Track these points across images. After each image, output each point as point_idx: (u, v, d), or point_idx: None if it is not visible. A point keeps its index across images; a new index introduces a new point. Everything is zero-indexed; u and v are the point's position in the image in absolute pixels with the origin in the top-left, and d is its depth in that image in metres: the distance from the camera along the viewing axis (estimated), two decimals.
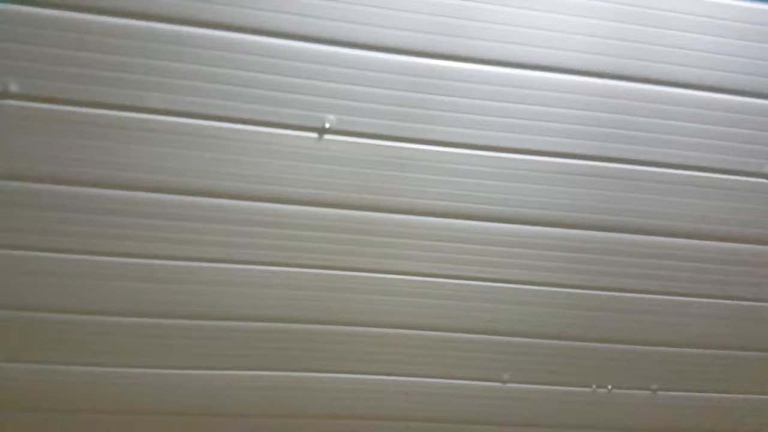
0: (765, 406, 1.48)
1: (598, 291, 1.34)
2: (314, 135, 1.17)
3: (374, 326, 1.30)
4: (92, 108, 1.09)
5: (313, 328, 1.28)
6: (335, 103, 1.15)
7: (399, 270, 1.27)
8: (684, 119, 1.25)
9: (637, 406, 1.44)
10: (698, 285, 1.36)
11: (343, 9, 1.12)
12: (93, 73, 1.07)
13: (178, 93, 1.11)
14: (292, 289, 1.25)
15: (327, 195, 1.20)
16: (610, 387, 1.42)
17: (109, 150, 1.12)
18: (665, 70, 1.23)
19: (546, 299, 1.33)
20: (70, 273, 1.18)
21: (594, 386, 1.42)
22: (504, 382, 1.39)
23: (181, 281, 1.21)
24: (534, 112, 1.21)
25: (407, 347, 1.33)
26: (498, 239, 1.28)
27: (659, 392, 1.44)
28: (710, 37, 1.22)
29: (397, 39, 1.14)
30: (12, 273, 1.16)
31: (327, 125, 1.16)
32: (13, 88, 1.06)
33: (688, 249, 1.33)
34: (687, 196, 1.30)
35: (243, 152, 1.15)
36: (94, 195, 1.14)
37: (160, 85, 1.10)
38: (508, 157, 1.23)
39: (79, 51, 1.06)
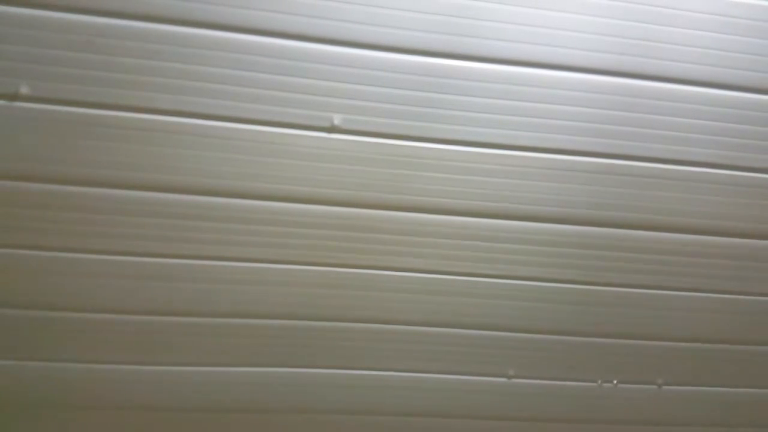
0: None
1: (603, 287, 1.35)
2: (322, 134, 1.17)
3: (381, 323, 1.31)
4: (102, 109, 1.10)
5: (318, 325, 1.29)
6: (343, 102, 1.16)
7: (406, 267, 1.28)
8: (688, 116, 1.26)
9: (643, 400, 1.44)
10: (704, 280, 1.36)
11: (350, 10, 1.12)
12: (103, 75, 1.08)
13: (186, 94, 1.11)
14: (299, 286, 1.26)
15: (335, 193, 1.21)
16: (615, 381, 1.43)
17: (119, 150, 1.13)
18: (670, 68, 1.23)
19: (552, 295, 1.34)
20: (76, 272, 1.19)
21: (600, 381, 1.42)
22: (510, 377, 1.39)
23: (187, 279, 1.22)
24: (542, 110, 1.21)
25: (413, 343, 1.33)
26: (505, 236, 1.28)
27: (665, 387, 1.44)
28: (718, 34, 1.22)
29: (404, 39, 1.15)
30: (17, 272, 1.17)
31: (335, 124, 1.17)
32: (24, 90, 1.07)
33: (692, 244, 1.33)
34: (690, 192, 1.30)
35: (252, 152, 1.16)
36: (102, 195, 1.14)
37: (169, 87, 1.10)
38: (516, 155, 1.23)
39: (88, 53, 1.07)
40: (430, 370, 1.36)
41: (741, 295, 1.39)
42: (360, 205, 1.22)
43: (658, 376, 1.43)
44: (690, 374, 1.44)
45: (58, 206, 1.14)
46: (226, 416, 1.33)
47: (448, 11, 1.14)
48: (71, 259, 1.18)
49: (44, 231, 1.15)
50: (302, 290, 1.26)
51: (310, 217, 1.21)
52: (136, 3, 1.06)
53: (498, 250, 1.29)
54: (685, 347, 1.41)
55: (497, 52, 1.18)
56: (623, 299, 1.36)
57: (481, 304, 1.32)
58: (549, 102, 1.21)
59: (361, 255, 1.26)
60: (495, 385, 1.39)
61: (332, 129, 1.17)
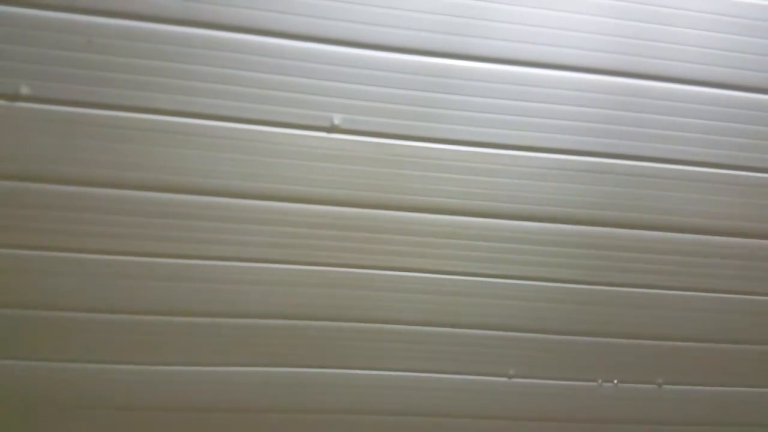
0: None
1: (603, 286, 1.35)
2: (323, 134, 1.17)
3: (381, 323, 1.31)
4: (102, 109, 1.10)
5: (320, 324, 1.29)
6: (343, 102, 1.16)
7: (406, 267, 1.28)
8: (689, 115, 1.26)
9: (643, 399, 1.45)
10: (704, 280, 1.36)
11: (351, 10, 1.12)
12: (103, 75, 1.08)
13: (187, 94, 1.11)
14: (300, 286, 1.26)
15: (336, 193, 1.21)
16: (616, 381, 1.43)
17: (119, 151, 1.12)
18: (671, 67, 1.23)
19: (553, 295, 1.34)
20: (76, 272, 1.19)
21: (600, 380, 1.43)
22: (510, 377, 1.39)
23: (187, 279, 1.22)
24: (543, 110, 1.21)
25: (414, 343, 1.34)
26: (505, 236, 1.28)
27: (665, 386, 1.44)
28: (718, 33, 1.22)
29: (404, 38, 1.15)
30: (17, 272, 1.17)
31: (335, 124, 1.17)
32: (25, 90, 1.07)
33: (692, 244, 1.33)
34: (691, 191, 1.30)
35: (252, 152, 1.16)
36: (102, 195, 1.14)
37: (169, 87, 1.10)
38: (516, 155, 1.23)
39: (89, 53, 1.06)
40: (430, 369, 1.37)
41: (741, 295, 1.39)
42: (360, 204, 1.22)
43: (659, 375, 1.43)
44: (690, 374, 1.44)
45: (58, 206, 1.14)
46: (226, 416, 1.33)
47: (448, 11, 1.14)
48: (71, 259, 1.18)
49: (44, 231, 1.15)
50: (302, 290, 1.26)
51: (310, 216, 1.21)
52: (136, 3, 1.06)
53: (498, 249, 1.29)
54: (686, 347, 1.41)
55: (497, 51, 1.18)
56: (624, 299, 1.36)
57: (481, 304, 1.32)
58: (550, 102, 1.21)
59: (361, 255, 1.26)
60: (495, 385, 1.39)
61: (332, 129, 1.17)
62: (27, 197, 1.13)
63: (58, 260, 1.17)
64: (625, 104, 1.23)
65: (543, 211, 1.28)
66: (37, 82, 1.07)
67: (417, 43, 1.15)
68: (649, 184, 1.28)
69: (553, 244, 1.30)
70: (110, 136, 1.12)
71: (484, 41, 1.17)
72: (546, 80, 1.20)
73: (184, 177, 1.16)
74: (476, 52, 1.17)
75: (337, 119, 1.16)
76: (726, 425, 1.50)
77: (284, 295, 1.26)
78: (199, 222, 1.19)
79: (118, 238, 1.17)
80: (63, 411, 1.28)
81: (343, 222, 1.23)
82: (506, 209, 1.26)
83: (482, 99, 1.19)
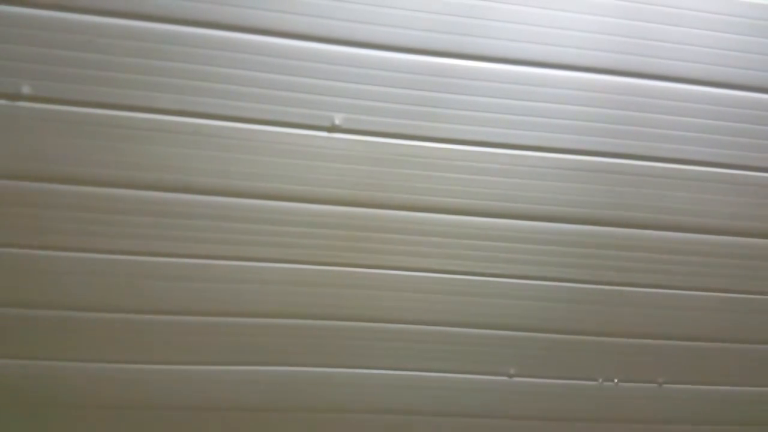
0: None
1: (603, 285, 1.35)
2: (324, 134, 1.17)
3: (382, 322, 1.31)
4: (104, 109, 1.10)
5: (322, 324, 1.30)
6: (344, 102, 1.16)
7: (408, 266, 1.28)
8: (691, 115, 1.26)
9: (644, 399, 1.45)
10: (704, 279, 1.37)
11: (352, 9, 1.11)
12: (104, 75, 1.08)
13: (188, 94, 1.11)
14: (302, 285, 1.26)
15: (337, 192, 1.21)
16: (616, 380, 1.43)
17: (121, 150, 1.12)
18: (674, 67, 1.23)
19: (554, 294, 1.34)
20: (76, 272, 1.19)
21: (600, 380, 1.43)
22: (511, 376, 1.40)
23: (188, 278, 1.22)
24: (546, 110, 1.21)
25: (415, 342, 1.34)
26: (506, 235, 1.28)
27: (665, 385, 1.45)
28: (721, 33, 1.22)
29: (405, 38, 1.14)
30: (17, 272, 1.17)
31: (335, 124, 1.17)
32: (26, 90, 1.06)
33: (693, 243, 1.34)
34: (693, 191, 1.30)
35: (253, 151, 1.16)
36: (103, 194, 1.14)
37: (171, 86, 1.10)
38: (519, 154, 1.23)
39: (90, 53, 1.06)
40: (430, 368, 1.37)
41: (741, 294, 1.39)
42: (362, 204, 1.22)
43: (659, 374, 1.44)
44: (690, 373, 1.44)
45: (59, 206, 1.14)
46: (228, 415, 1.34)
47: (450, 10, 1.14)
48: (71, 258, 1.18)
49: (45, 231, 1.15)
50: (304, 289, 1.26)
51: (311, 216, 1.21)
52: (137, 3, 1.06)
53: (500, 249, 1.29)
54: (686, 346, 1.42)
55: (500, 51, 1.17)
56: (624, 299, 1.36)
57: (482, 303, 1.33)
58: (552, 101, 1.21)
59: (362, 254, 1.26)
60: (496, 384, 1.40)
61: (333, 128, 1.17)
62: (27, 197, 1.13)
63: (59, 260, 1.17)
64: (628, 104, 1.23)
65: (545, 211, 1.28)
66: (38, 81, 1.07)
67: (418, 42, 1.15)
68: (650, 184, 1.28)
69: (555, 243, 1.30)
70: (111, 136, 1.12)
71: (486, 41, 1.17)
72: (548, 80, 1.20)
73: (185, 176, 1.16)
74: (478, 51, 1.17)
75: (338, 119, 1.16)
76: (726, 425, 1.50)
77: (286, 295, 1.26)
78: (200, 221, 1.19)
79: (119, 238, 1.17)
80: (63, 411, 1.28)
81: (344, 221, 1.23)
82: (508, 208, 1.26)
83: (484, 98, 1.19)
